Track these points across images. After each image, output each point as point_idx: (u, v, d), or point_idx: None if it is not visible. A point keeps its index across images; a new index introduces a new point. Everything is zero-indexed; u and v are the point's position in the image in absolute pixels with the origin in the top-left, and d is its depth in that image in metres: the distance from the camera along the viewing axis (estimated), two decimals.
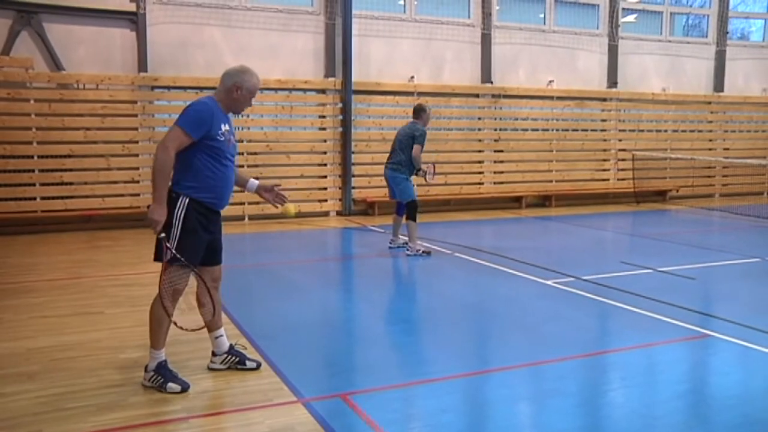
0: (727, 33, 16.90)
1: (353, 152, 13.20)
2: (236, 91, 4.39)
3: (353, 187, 13.26)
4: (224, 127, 4.37)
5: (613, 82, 15.61)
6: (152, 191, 4.17)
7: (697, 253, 9.31)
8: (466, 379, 4.63)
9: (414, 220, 9.07)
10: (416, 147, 8.98)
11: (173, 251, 4.21)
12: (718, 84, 16.93)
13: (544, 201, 14.84)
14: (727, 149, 17.06)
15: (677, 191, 16.21)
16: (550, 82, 14.95)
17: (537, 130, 15.01)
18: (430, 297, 7.30)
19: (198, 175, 4.31)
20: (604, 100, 15.62)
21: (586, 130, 15.52)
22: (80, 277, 7.88)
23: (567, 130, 15.26)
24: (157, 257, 4.28)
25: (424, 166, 9.19)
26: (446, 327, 5.95)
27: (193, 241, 4.32)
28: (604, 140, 15.67)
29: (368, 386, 4.47)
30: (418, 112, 9.30)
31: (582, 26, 15.44)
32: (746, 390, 4.50)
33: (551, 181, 15.03)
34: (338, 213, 13.24)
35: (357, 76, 13.10)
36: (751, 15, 17.97)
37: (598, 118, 15.66)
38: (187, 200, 4.29)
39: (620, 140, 15.76)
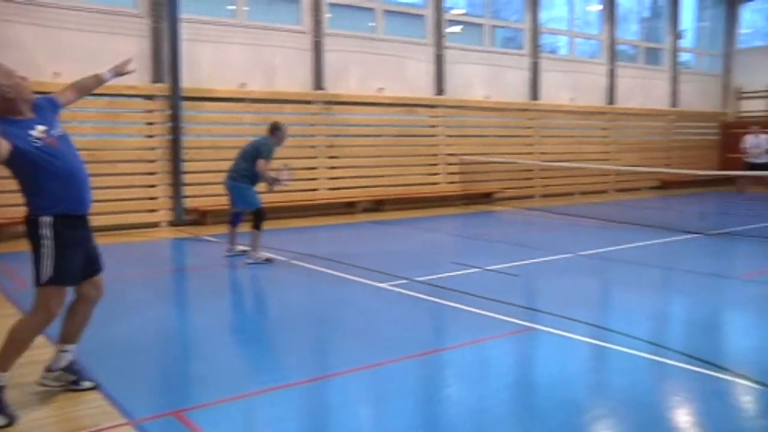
0: (540, 46, 18.25)
1: (184, 160, 12.77)
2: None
3: (185, 196, 12.82)
4: (35, 132, 3.99)
5: (440, 89, 16.31)
6: None
7: (520, 251, 9.95)
8: (306, 385, 4.63)
9: (260, 228, 8.96)
10: (260, 161, 8.90)
11: (51, 274, 3.99)
12: (534, 93, 18.23)
13: (377, 205, 15.19)
14: (544, 153, 18.39)
15: (502, 193, 17.23)
16: (381, 89, 15.35)
17: (369, 136, 15.33)
18: (268, 306, 7.22)
19: (43, 191, 3.99)
20: (433, 107, 16.28)
21: (416, 136, 16.08)
22: None
23: (398, 135, 15.73)
24: (37, 281, 4.05)
25: (273, 173, 9.13)
26: (285, 335, 5.92)
27: (69, 259, 4.05)
28: (433, 145, 16.32)
29: (204, 400, 4.34)
30: (273, 129, 9.24)
31: (410, 35, 16.00)
32: (565, 375, 4.87)
33: (384, 186, 15.42)
34: (170, 223, 12.74)
35: (186, 82, 12.69)
36: (557, 31, 19.54)
37: (427, 124, 16.29)
38: (48, 219, 3.99)
39: (448, 145, 16.48)
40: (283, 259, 9.27)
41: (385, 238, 11.90)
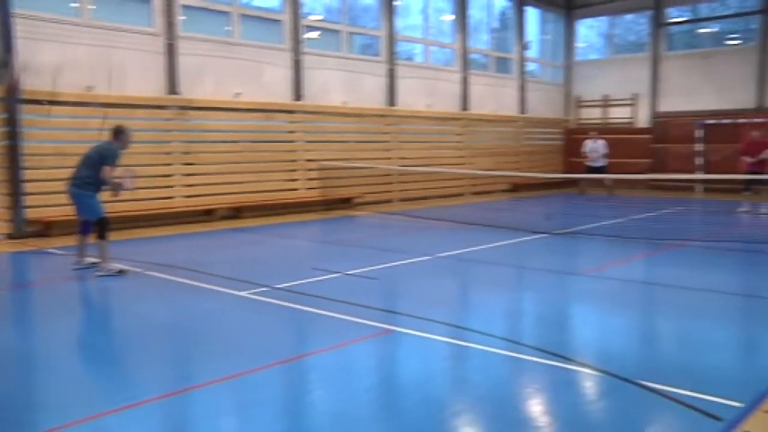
0: (396, 53, 18.67)
1: (25, 168, 11.88)
2: None
3: (26, 207, 11.93)
4: None
5: (298, 95, 16.26)
6: None
7: (380, 254, 10.10)
8: (164, 401, 4.44)
9: (104, 238, 8.52)
10: (105, 168, 8.50)
11: None
12: (391, 99, 18.60)
13: (236, 212, 14.89)
14: (402, 158, 18.80)
15: (361, 198, 17.42)
16: (238, 94, 15.07)
17: (227, 142, 14.98)
18: (119, 320, 6.87)
19: None
20: (291, 112, 16.18)
21: (275, 142, 15.92)
22: None
23: (256, 141, 15.50)
24: None
25: (117, 180, 8.72)
26: (138, 350, 5.65)
27: None
28: (292, 151, 16.22)
29: (49, 425, 4.04)
30: (116, 133, 8.82)
31: (267, 40, 15.83)
32: (425, 375, 4.99)
33: (243, 193, 15.13)
34: (8, 236, 11.79)
35: (26, 84, 11.82)
36: (413, 39, 20.08)
37: (286, 129, 16.18)
38: None
39: (307, 151, 16.44)
40: (137, 270, 8.85)
41: (244, 245, 11.66)
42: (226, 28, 15.13)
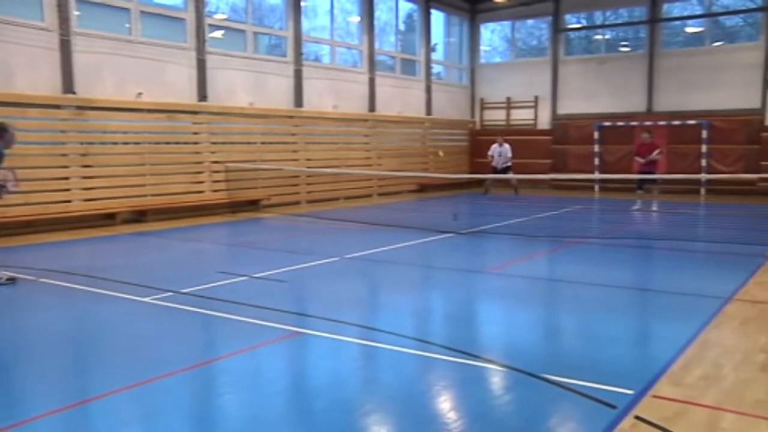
0: (302, 54, 18.56)
1: None
2: None
3: None
4: None
5: (203, 95, 15.90)
6: None
7: (288, 257, 10.02)
8: (62, 414, 4.24)
9: None
10: None
11: None
12: (298, 100, 18.49)
13: (139, 216, 14.41)
14: (310, 159, 18.71)
15: (269, 199, 17.23)
16: (140, 94, 14.58)
17: (128, 143, 14.47)
18: (14, 331, 6.50)
19: None
20: (195, 113, 15.81)
21: (179, 143, 15.52)
22: None
23: (159, 143, 15.05)
24: None
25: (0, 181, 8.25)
26: (31, 363, 5.38)
27: None
28: (197, 153, 15.85)
29: None
30: (0, 131, 8.29)
31: (170, 39, 15.39)
32: (335, 377, 4.99)
33: (146, 196, 14.66)
34: None
35: None
36: (320, 40, 20.03)
37: (190, 131, 15.79)
38: None
39: (213, 152, 16.11)
40: (30, 277, 8.41)
41: (148, 249, 11.30)
42: (125, 25, 14.60)
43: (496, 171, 20.04)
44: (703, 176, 19.89)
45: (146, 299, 7.23)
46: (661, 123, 21.36)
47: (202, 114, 15.89)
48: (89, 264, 9.49)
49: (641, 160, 16.06)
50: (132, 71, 14.51)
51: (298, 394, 4.79)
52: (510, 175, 19.94)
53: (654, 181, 15.97)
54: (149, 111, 14.75)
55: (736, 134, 20.78)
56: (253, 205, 16.85)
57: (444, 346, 5.53)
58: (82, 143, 13.64)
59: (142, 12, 14.81)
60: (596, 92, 23.30)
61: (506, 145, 20.31)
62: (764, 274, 8.55)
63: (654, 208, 15.98)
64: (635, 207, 16.26)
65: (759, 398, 4.44)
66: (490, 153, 20.56)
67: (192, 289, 7.66)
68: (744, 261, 9.42)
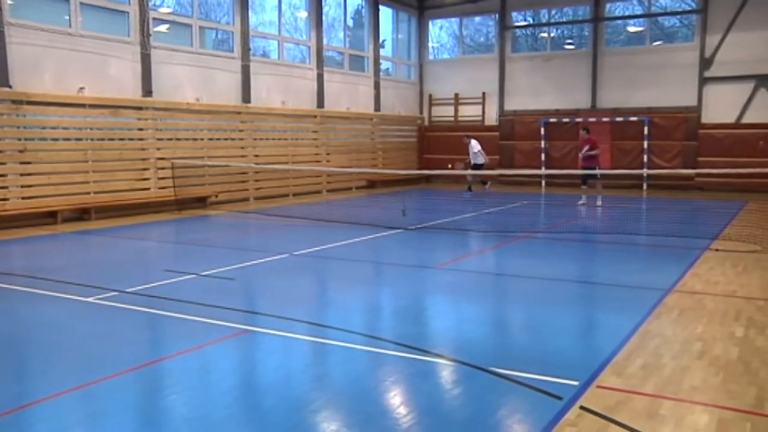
0: (250, 50, 18.36)
1: None
2: None
3: None
4: None
5: (147, 90, 15.58)
6: None
7: (236, 254, 9.91)
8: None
9: None
10: None
11: None
12: (246, 96, 18.28)
13: (82, 214, 14.05)
14: (257, 156, 18.53)
15: (216, 197, 17.01)
16: (81, 89, 14.20)
17: (70, 139, 14.07)
18: None
19: None
20: (140, 108, 15.48)
21: (123, 139, 15.18)
22: None
23: (103, 139, 14.69)
24: None
25: None
26: None
27: None
28: (143, 149, 15.54)
29: None
30: None
31: (112, 32, 15.02)
32: (285, 374, 4.97)
33: (89, 193, 14.29)
34: None
35: None
36: (267, 35, 19.85)
37: (135, 126, 15.46)
38: None
39: (159, 149, 15.81)
40: None
41: (91, 249, 11.04)
42: (65, 17, 14.19)
43: (474, 167, 19.58)
44: (645, 171, 20.43)
45: (90, 299, 7.06)
46: (605, 119, 21.87)
47: (147, 110, 15.57)
48: (29, 264, 9.22)
49: (581, 156, 16.58)
50: (73, 65, 14.12)
51: (247, 392, 4.75)
52: (469, 172, 19.53)
53: (595, 176, 16.31)
54: (91, 106, 14.37)
55: (675, 131, 21.42)
56: (200, 202, 16.61)
57: (393, 342, 5.56)
58: (19, 139, 13.22)
59: (83, 3, 14.40)
60: (542, 89, 23.69)
61: (473, 141, 19.91)
62: (701, 266, 8.84)
63: (598, 203, 16.35)
64: (580, 202, 16.61)
65: (695, 385, 4.60)
66: (471, 150, 19.95)
67: (138, 288, 7.52)
68: (683, 254, 9.72)
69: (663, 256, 9.98)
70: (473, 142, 19.98)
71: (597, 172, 16.19)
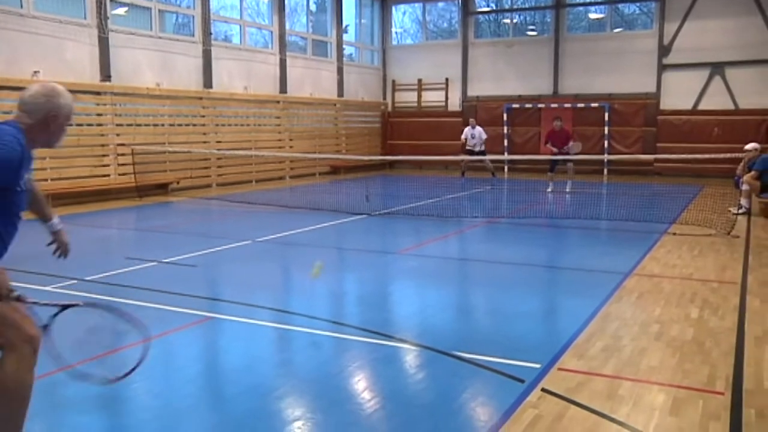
0: (211, 34, 18.09)
1: None
2: (53, 121, 3.24)
3: None
4: (27, 174, 3.24)
5: (106, 75, 15.25)
6: None
7: (199, 241, 9.81)
8: None
9: None
10: None
11: None
12: (207, 81, 18.03)
13: None
14: (220, 142, 18.32)
15: (178, 183, 16.79)
16: (36, 72, 13.84)
17: None
18: None
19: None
20: (98, 93, 15.16)
21: (81, 125, 14.85)
22: None
23: None
24: None
25: None
26: None
27: None
28: (102, 135, 15.24)
29: None
30: None
31: (67, 14, 14.64)
32: (249, 360, 4.95)
33: (46, 180, 13.99)
34: None
35: None
36: (229, 19, 19.57)
37: (93, 112, 15.15)
38: None
39: (118, 135, 15.52)
40: None
41: (48, 236, 10.80)
42: None
43: (473, 154, 19.38)
44: (606, 157, 20.72)
45: (47, 288, 6.94)
46: (567, 105, 22.09)
47: (106, 95, 15.26)
48: None
49: (554, 149, 16.27)
50: (26, 48, 13.74)
51: (211, 380, 4.73)
52: (485, 157, 19.36)
53: (566, 161, 16.30)
54: None
55: (635, 117, 21.77)
56: (161, 188, 16.38)
57: (357, 327, 5.58)
58: None
59: None
60: (505, 75, 23.82)
61: (479, 128, 19.66)
62: (659, 249, 9.02)
63: (568, 189, 16.33)
64: (549, 189, 16.62)
65: (653, 365, 4.71)
66: (463, 136, 19.82)
67: (98, 276, 7.40)
68: (642, 238, 9.91)
69: (623, 241, 10.16)
70: (479, 128, 19.62)
71: (569, 157, 16.17)
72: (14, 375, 3.24)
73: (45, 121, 3.23)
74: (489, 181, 19.57)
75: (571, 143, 16.38)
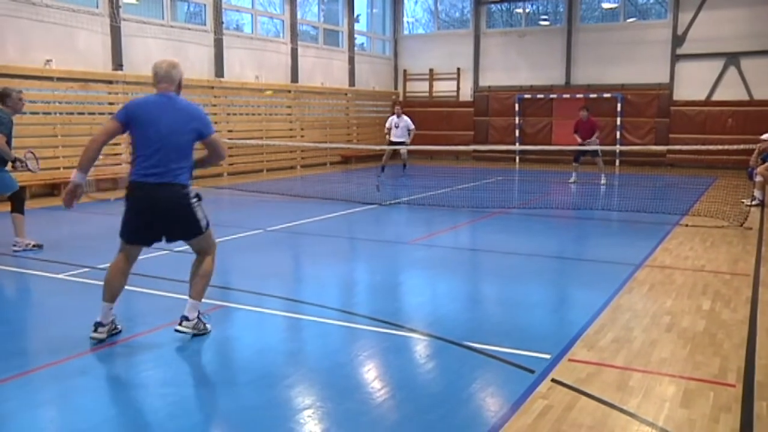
0: (223, 23, 18.08)
1: None
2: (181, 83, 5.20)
3: None
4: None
5: (118, 64, 15.29)
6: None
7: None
8: None
9: (20, 212, 8.12)
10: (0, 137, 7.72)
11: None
12: (219, 70, 18.04)
13: (52, 190, 13.83)
14: (231, 131, 18.35)
15: None
16: (48, 61, 13.89)
17: (38, 113, 13.79)
18: None
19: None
20: (111, 82, 15.21)
21: (94, 114, 14.91)
22: None
23: (72, 113, 14.43)
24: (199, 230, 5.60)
25: (20, 155, 8.34)
26: None
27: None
28: None
29: None
30: (3, 97, 7.83)
31: (79, 3, 14.67)
32: (259, 349, 4.97)
33: (59, 168, 14.06)
34: None
35: None
36: (241, 8, 19.55)
37: (106, 101, 15.21)
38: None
39: None
40: None
41: (61, 224, 10.88)
42: None
43: (391, 144, 18.36)
44: (618, 147, 20.60)
45: (60, 276, 6.99)
46: (579, 96, 21.94)
47: (117, 83, 15.30)
48: None
49: (579, 139, 16.19)
50: (38, 37, 13.78)
51: (221, 368, 4.75)
52: (404, 147, 18.27)
53: (596, 152, 16.21)
54: (60, 80, 14.08)
55: (648, 107, 21.60)
56: None
57: (368, 317, 5.59)
58: None
59: None
60: (517, 65, 23.68)
61: (405, 117, 18.38)
62: (671, 241, 8.97)
63: (603, 181, 16.12)
64: (571, 180, 16.48)
65: (664, 357, 4.69)
66: (387, 125, 18.65)
67: (108, 264, 7.42)
68: (654, 229, 9.86)
69: (635, 232, 10.11)
70: (405, 117, 18.31)
71: (598, 148, 16.07)
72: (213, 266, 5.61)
73: (180, 85, 5.25)
74: (400, 171, 18.66)
75: (595, 135, 16.21)
